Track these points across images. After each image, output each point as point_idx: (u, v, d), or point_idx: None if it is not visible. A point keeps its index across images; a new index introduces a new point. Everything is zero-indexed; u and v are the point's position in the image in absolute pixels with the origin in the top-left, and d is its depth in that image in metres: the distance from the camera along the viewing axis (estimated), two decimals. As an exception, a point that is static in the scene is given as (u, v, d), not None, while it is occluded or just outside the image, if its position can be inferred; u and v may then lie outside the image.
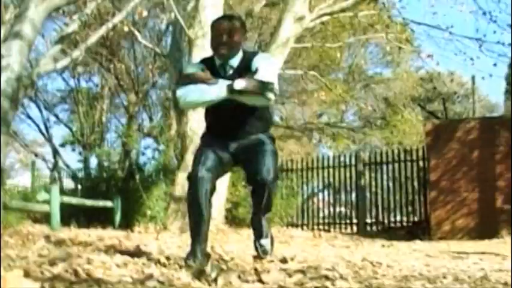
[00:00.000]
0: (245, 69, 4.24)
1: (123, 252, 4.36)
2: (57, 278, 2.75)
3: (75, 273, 2.96)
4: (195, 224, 4.17)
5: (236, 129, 4.33)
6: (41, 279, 2.67)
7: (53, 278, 2.74)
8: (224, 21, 4.32)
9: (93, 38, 9.35)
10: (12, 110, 6.72)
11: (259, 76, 4.08)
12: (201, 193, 4.07)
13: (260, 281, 3.04)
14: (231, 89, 4.01)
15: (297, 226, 14.81)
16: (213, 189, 4.16)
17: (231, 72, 4.27)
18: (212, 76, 4.16)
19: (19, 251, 3.93)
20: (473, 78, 14.58)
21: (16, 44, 6.78)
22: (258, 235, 4.50)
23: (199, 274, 3.13)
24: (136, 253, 4.42)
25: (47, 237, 5.18)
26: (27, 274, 2.71)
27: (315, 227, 14.95)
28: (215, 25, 4.31)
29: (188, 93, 4.16)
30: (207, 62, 4.40)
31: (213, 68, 4.28)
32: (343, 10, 12.94)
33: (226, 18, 4.48)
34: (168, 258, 4.11)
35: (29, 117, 24.32)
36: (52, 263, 3.21)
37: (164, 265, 3.73)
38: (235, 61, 4.31)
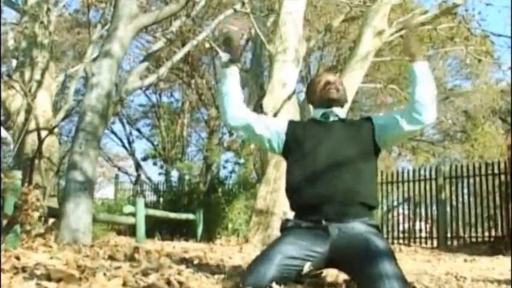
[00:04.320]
0: (352, 124, 3.72)
1: (209, 264, 4.46)
2: (152, 287, 2.86)
3: (168, 283, 3.07)
4: None
5: (333, 200, 3.36)
6: (137, 288, 2.79)
7: (148, 287, 2.85)
8: (329, 73, 3.91)
9: (178, 55, 9.60)
10: (101, 126, 6.98)
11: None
12: None
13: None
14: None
15: (376, 240, 14.70)
16: None
17: (333, 120, 3.65)
18: (309, 131, 3.62)
19: (111, 261, 4.08)
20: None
21: (106, 62, 7.04)
22: None
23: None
24: (223, 264, 4.52)
25: (136, 249, 5.33)
26: (124, 283, 2.83)
27: (395, 241, 14.82)
28: (319, 75, 3.89)
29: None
30: (298, 123, 3.93)
31: (311, 123, 3.73)
32: (422, 23, 12.85)
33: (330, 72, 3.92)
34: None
35: (113, 131, 25.01)
36: (145, 273, 3.32)
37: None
38: (340, 111, 3.70)
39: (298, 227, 3.43)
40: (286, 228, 3.51)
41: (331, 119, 3.63)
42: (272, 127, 3.66)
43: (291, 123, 3.73)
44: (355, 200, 3.37)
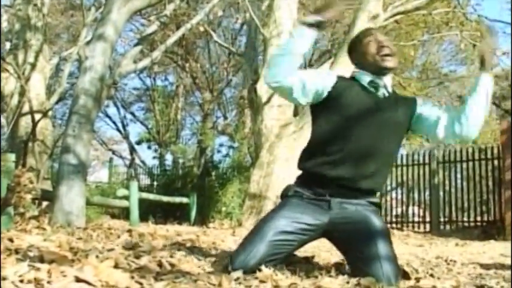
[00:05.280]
0: (400, 100, 3.40)
1: (201, 247, 4.48)
2: (144, 269, 2.88)
3: (160, 264, 3.10)
4: None
5: (345, 185, 3.18)
6: (128, 270, 2.80)
7: (140, 269, 2.87)
8: (376, 31, 3.42)
9: (172, 38, 9.59)
10: (95, 109, 6.98)
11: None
12: None
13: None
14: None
15: (369, 224, 14.74)
16: None
17: (383, 92, 3.29)
18: (355, 98, 3.23)
19: (104, 243, 4.10)
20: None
21: (100, 45, 7.03)
22: None
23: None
24: (215, 247, 4.54)
25: (129, 231, 5.36)
26: (116, 265, 2.85)
27: (388, 225, 14.85)
28: (366, 33, 3.39)
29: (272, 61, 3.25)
30: (345, 80, 3.33)
31: (357, 87, 3.29)
32: (417, 8, 12.82)
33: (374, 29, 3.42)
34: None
35: (107, 115, 25.01)
36: (137, 255, 3.34)
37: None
38: (388, 81, 3.35)
39: (299, 196, 3.25)
40: (286, 195, 3.31)
41: (381, 91, 3.28)
42: (312, 90, 3.20)
43: (339, 81, 3.27)
44: (368, 188, 3.24)
